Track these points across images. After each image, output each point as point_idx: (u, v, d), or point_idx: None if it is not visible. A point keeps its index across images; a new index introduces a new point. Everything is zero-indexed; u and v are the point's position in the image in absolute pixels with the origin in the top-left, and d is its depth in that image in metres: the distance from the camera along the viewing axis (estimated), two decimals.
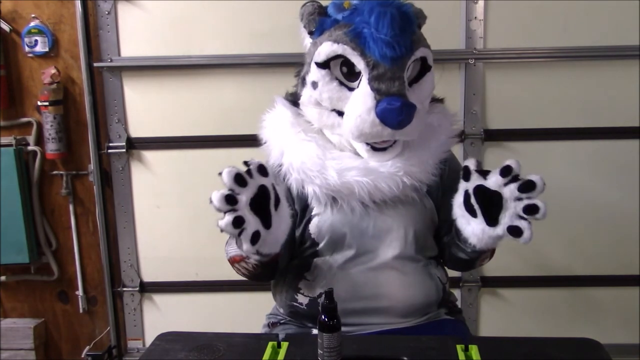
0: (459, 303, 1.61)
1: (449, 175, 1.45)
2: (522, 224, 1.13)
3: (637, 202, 2.28)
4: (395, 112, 1.27)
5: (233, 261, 1.36)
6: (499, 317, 2.40)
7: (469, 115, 2.25)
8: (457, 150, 2.21)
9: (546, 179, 1.12)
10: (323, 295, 1.15)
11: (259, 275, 1.37)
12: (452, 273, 1.57)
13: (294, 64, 1.48)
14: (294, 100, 1.46)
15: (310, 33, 1.40)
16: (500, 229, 1.16)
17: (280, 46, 2.18)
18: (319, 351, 1.14)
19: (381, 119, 1.28)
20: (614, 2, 2.16)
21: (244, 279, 1.41)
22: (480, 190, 1.17)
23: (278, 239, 1.21)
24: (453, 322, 1.48)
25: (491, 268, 2.34)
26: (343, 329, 1.16)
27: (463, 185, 1.20)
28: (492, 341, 1.30)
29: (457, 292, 2.33)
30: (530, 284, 2.37)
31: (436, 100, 1.50)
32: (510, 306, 2.40)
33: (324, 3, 1.42)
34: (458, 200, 1.23)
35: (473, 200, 1.18)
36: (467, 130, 2.25)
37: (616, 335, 2.33)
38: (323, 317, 1.13)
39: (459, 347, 1.23)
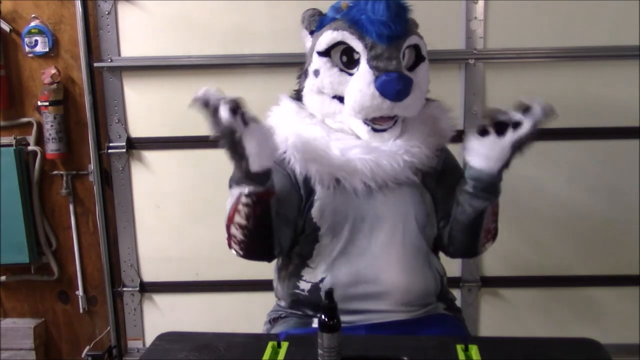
0: (458, 303, 1.62)
1: (443, 166, 1.50)
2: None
3: (637, 202, 2.27)
4: (393, 82, 1.34)
5: (231, 217, 1.32)
6: (499, 317, 2.40)
7: (469, 115, 2.25)
8: (457, 151, 2.21)
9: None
10: (323, 295, 1.16)
11: (255, 236, 1.33)
12: (452, 273, 1.57)
13: (295, 63, 1.53)
14: (297, 97, 1.52)
15: (311, 33, 1.48)
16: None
17: (280, 46, 2.18)
18: (319, 351, 1.14)
19: (380, 91, 1.35)
20: (614, 2, 2.16)
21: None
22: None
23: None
24: (452, 318, 1.50)
25: (491, 268, 2.34)
26: (344, 317, 1.17)
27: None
28: (492, 341, 1.30)
29: (457, 292, 2.32)
30: (530, 284, 2.36)
31: (432, 101, 1.56)
32: (510, 306, 2.39)
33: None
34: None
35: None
36: (467, 130, 2.25)
37: (616, 335, 2.32)
38: (323, 317, 1.13)
39: (459, 347, 1.23)
